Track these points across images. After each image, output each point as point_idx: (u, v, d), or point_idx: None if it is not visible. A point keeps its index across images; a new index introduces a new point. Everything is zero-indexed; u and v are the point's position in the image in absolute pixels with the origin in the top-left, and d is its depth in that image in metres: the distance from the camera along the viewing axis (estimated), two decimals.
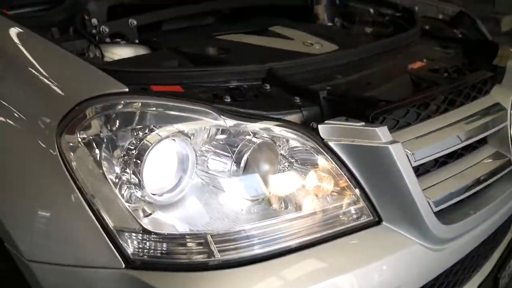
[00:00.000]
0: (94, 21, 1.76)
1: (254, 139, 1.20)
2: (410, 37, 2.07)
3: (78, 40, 1.66)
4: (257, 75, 1.44)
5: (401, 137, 1.28)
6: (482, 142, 1.58)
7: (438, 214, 1.33)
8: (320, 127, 1.23)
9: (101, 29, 1.74)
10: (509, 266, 1.73)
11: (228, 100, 1.28)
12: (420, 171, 1.36)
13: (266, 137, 1.21)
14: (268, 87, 1.41)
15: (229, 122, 1.16)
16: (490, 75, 1.62)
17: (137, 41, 1.80)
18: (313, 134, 1.22)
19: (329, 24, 2.44)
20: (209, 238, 1.10)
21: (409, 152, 1.25)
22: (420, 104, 1.39)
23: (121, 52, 1.71)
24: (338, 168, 1.22)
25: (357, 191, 1.24)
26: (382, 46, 1.89)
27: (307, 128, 1.23)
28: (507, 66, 1.86)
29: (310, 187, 1.23)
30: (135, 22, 1.79)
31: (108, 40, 1.75)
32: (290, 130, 1.21)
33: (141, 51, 1.76)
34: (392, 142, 1.21)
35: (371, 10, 2.52)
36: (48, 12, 1.72)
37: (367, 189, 1.25)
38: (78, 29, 1.68)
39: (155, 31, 1.95)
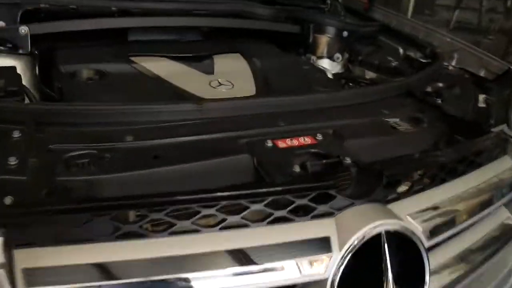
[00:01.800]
0: (1, 23, 1.63)
1: None
2: (363, 96, 1.46)
3: None
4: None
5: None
6: None
7: None
8: None
9: None
10: None
11: None
12: None
13: None
14: (18, 134, 1.08)
15: None
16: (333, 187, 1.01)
17: (21, 51, 1.59)
18: None
19: (326, 59, 1.92)
20: None
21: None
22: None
23: None
24: None
25: None
26: (286, 104, 1.34)
27: None
28: None
29: None
30: (25, 30, 1.60)
31: None
32: None
33: (17, 62, 1.56)
34: None
35: (400, 50, 1.93)
36: None
37: None
38: None
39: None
